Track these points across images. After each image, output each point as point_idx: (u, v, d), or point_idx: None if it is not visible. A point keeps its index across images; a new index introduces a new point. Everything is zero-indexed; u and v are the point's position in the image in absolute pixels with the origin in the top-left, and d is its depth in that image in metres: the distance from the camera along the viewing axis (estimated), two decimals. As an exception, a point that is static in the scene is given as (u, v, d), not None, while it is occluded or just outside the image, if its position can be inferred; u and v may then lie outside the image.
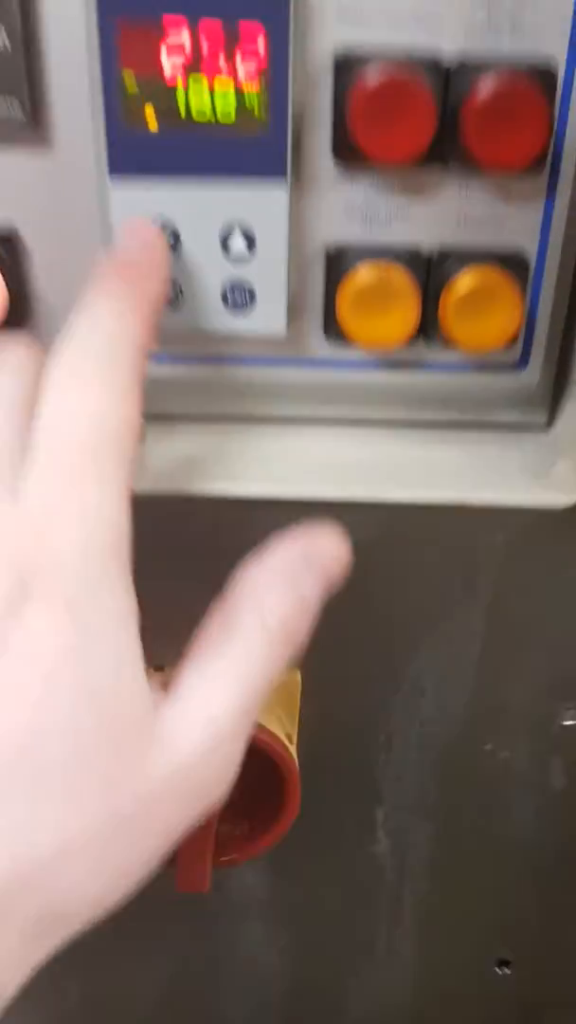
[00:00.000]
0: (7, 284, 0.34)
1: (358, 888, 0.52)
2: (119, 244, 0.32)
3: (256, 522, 0.32)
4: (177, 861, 0.42)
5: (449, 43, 0.31)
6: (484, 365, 0.38)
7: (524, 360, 0.37)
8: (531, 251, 0.35)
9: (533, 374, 0.38)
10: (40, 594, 0.26)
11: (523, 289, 0.34)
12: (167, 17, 0.29)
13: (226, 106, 0.31)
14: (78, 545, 0.26)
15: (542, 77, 0.30)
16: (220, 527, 0.35)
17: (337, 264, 0.34)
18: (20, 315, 0.35)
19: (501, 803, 0.47)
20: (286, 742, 0.41)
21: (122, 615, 0.27)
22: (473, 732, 0.44)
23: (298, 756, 0.41)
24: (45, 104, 0.32)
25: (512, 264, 0.34)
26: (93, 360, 0.28)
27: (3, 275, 0.34)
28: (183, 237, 0.33)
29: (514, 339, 0.35)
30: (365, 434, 0.38)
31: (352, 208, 0.34)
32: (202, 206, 0.32)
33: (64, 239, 0.34)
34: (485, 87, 0.30)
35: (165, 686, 0.28)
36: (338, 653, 0.41)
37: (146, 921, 0.40)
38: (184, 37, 0.30)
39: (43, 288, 0.35)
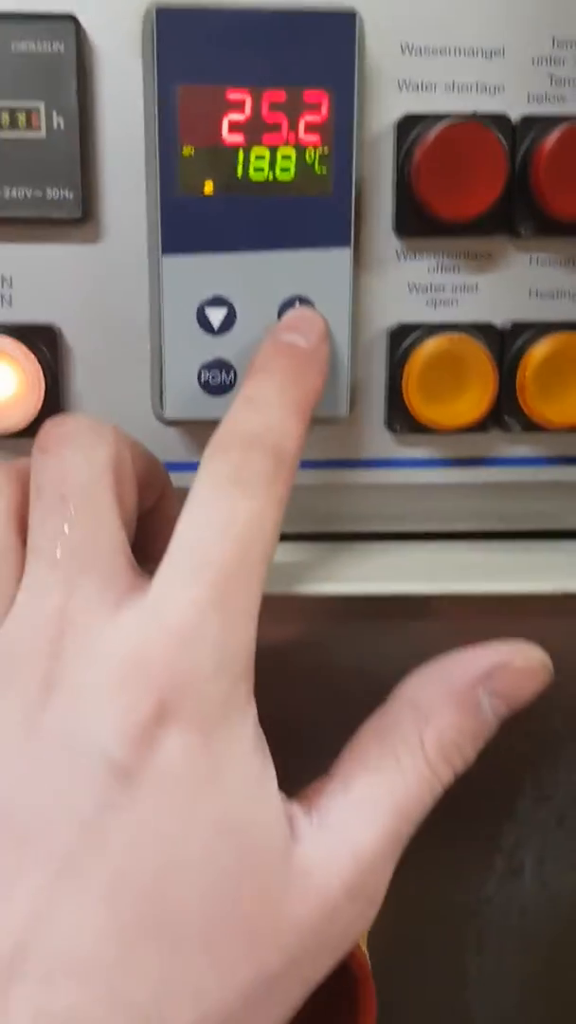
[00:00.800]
0: (46, 380, 0.32)
1: None
2: (283, 330, 0.30)
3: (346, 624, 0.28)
4: None
5: (513, 109, 0.31)
6: (567, 459, 0.34)
7: (611, 450, 0.34)
8: (611, 324, 0.33)
9: (622, 468, 0.34)
10: (175, 718, 0.23)
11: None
12: (230, 90, 0.29)
13: (287, 168, 0.30)
14: (216, 665, 0.24)
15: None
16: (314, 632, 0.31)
17: (403, 342, 0.32)
18: (56, 412, 0.32)
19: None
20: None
21: (254, 738, 0.25)
22: (585, 925, 0.36)
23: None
24: (97, 193, 0.31)
25: (594, 333, 0.32)
26: (258, 457, 0.26)
27: (43, 371, 0.32)
28: (239, 314, 0.31)
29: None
30: (440, 545, 0.34)
31: (417, 283, 0.32)
32: (260, 280, 0.31)
33: (107, 334, 0.32)
34: (554, 136, 0.29)
35: (305, 805, 0.25)
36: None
37: None
38: (247, 109, 0.29)
39: (81, 384, 0.33)
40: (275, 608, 0.29)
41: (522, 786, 0.34)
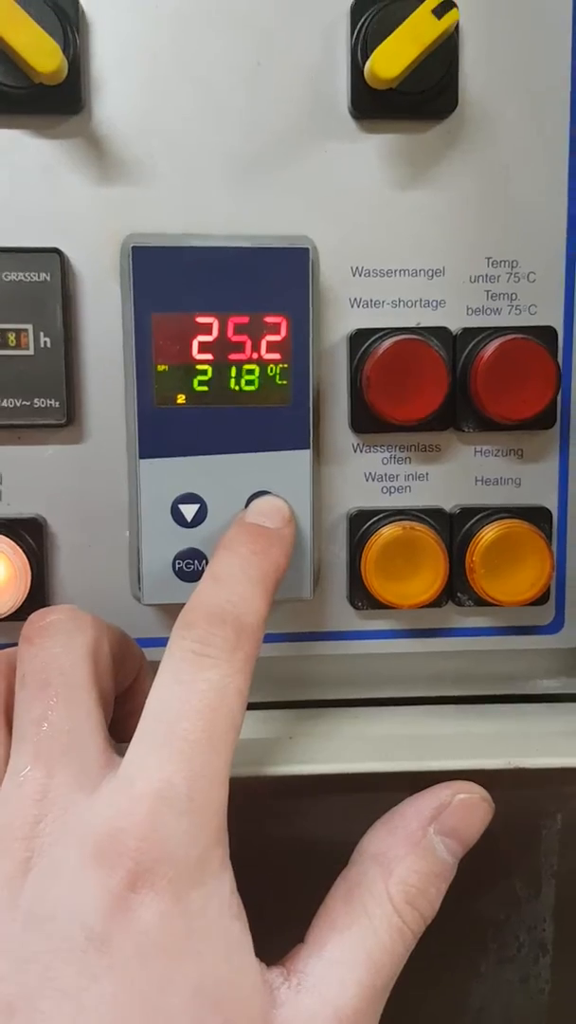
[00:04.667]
0: (32, 568, 0.35)
1: None
2: (251, 514, 0.34)
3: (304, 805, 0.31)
4: None
5: (454, 322, 0.35)
6: (517, 629, 0.37)
7: (559, 620, 0.37)
8: (552, 505, 0.36)
9: (570, 636, 0.37)
10: (148, 884, 0.25)
11: (549, 539, 0.35)
12: (199, 315, 0.33)
13: (251, 381, 0.34)
14: (186, 832, 0.26)
15: (542, 336, 0.34)
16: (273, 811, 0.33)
17: (361, 527, 0.36)
18: (40, 600, 0.35)
19: None
20: None
21: (230, 903, 0.27)
22: None
23: None
24: (80, 401, 0.35)
25: (535, 517, 0.35)
26: (220, 631, 0.29)
27: (29, 560, 0.35)
28: (210, 508, 0.34)
29: (546, 596, 0.36)
30: (399, 712, 0.37)
31: (372, 473, 0.36)
32: (229, 478, 0.35)
33: (88, 525, 0.36)
34: (491, 348, 0.33)
35: (283, 971, 0.27)
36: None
37: None
38: (215, 331, 0.33)
39: (65, 570, 0.36)
40: (247, 785, 0.32)
41: (486, 947, 0.36)
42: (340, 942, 0.28)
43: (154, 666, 0.30)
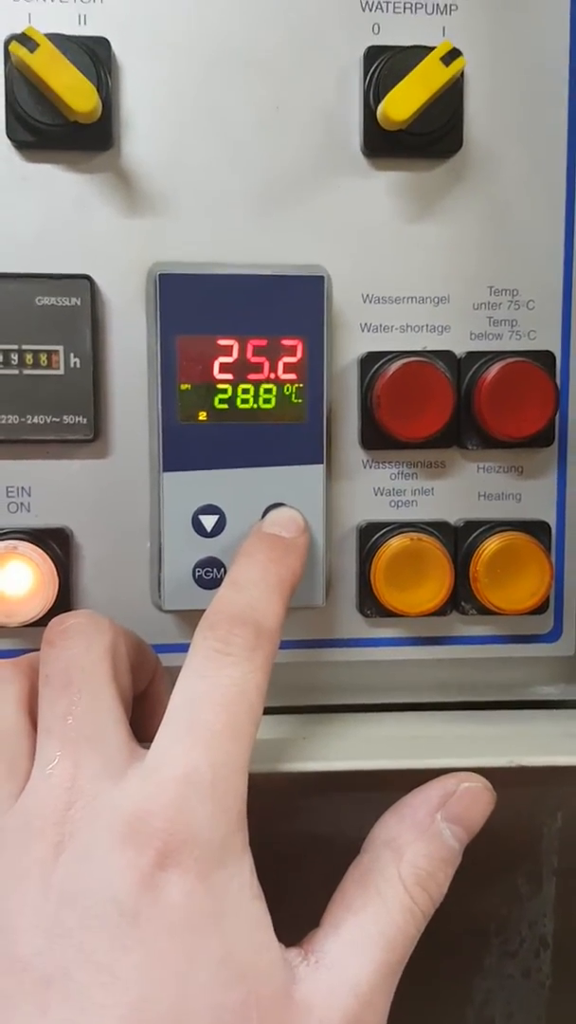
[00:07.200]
0: (59, 576, 0.37)
1: None
2: (267, 524, 0.36)
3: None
4: None
5: (458, 346, 0.37)
6: (518, 637, 0.39)
7: (558, 629, 0.39)
8: (551, 519, 0.38)
9: (568, 644, 0.39)
10: (175, 863, 0.27)
11: (548, 551, 0.37)
12: (220, 338, 0.35)
13: (268, 400, 0.36)
14: (210, 815, 0.28)
15: (541, 359, 0.37)
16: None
17: (370, 539, 0.38)
18: (65, 606, 0.37)
19: None
20: None
21: (251, 885, 0.28)
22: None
23: None
24: (106, 418, 0.37)
25: (535, 530, 0.37)
26: (241, 631, 0.30)
27: (56, 568, 0.37)
28: (229, 519, 0.36)
29: (545, 605, 0.37)
30: (406, 716, 0.39)
31: (381, 488, 0.38)
32: (247, 491, 0.37)
33: (112, 535, 0.38)
34: (493, 371, 0.35)
35: (301, 952, 0.29)
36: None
37: None
38: (235, 353, 0.35)
39: (89, 578, 0.38)
40: (264, 781, 0.33)
41: (489, 942, 0.37)
42: (355, 923, 0.29)
43: (171, 671, 0.32)
